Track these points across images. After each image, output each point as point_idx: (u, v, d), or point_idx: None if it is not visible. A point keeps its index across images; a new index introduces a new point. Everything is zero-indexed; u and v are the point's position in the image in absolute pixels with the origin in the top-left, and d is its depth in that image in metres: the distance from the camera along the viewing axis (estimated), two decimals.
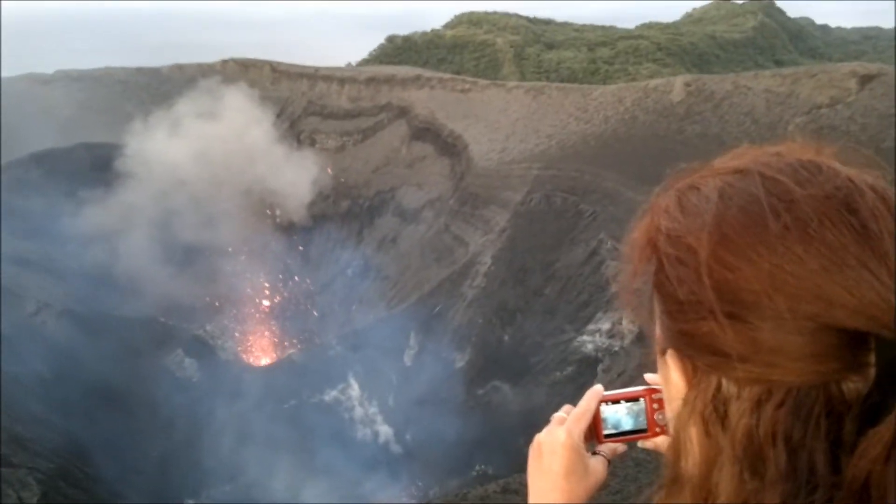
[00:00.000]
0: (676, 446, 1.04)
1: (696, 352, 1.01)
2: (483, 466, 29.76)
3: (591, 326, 29.42)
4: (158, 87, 64.27)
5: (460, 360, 35.69)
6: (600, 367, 27.63)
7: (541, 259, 35.46)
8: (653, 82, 42.86)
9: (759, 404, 0.92)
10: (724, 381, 0.98)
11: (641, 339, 26.95)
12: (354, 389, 39.62)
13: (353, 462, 34.65)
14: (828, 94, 32.00)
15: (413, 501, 29.00)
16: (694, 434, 1.01)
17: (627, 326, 27.70)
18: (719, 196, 1.01)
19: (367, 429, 37.97)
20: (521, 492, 15.77)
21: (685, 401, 1.04)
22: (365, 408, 38.96)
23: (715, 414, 0.98)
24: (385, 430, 37.18)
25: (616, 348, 27.60)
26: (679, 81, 39.89)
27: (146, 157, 51.40)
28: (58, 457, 28.10)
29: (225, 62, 70.24)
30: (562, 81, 57.35)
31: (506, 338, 34.40)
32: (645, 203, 1.13)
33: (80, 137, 55.71)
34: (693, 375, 1.04)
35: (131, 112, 59.43)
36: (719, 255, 0.95)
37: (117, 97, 65.85)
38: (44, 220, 45.15)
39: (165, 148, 52.79)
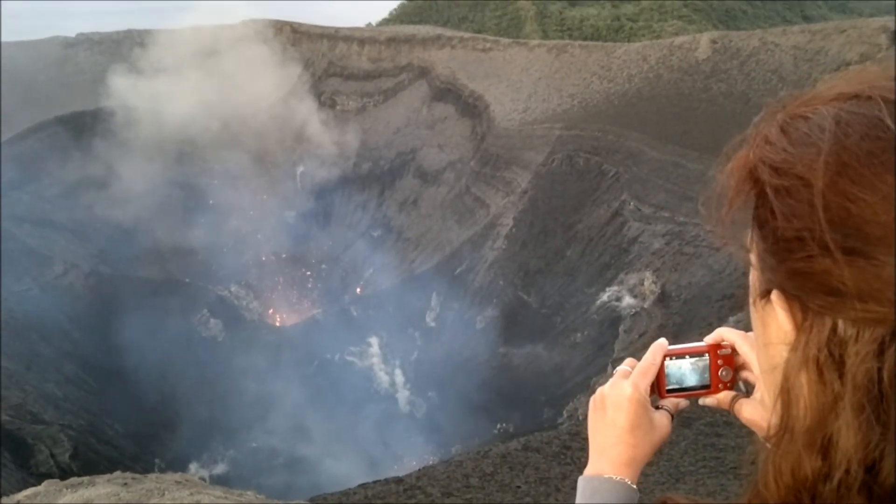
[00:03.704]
0: (786, 395, 0.96)
1: (808, 292, 0.91)
2: (504, 424, 30.02)
3: (612, 287, 29.34)
4: (180, 49, 64.00)
5: (481, 321, 35.78)
6: (622, 328, 27.62)
7: (562, 220, 35.24)
8: (678, 39, 42.04)
9: (882, 347, 0.83)
10: (840, 323, 0.88)
11: (663, 299, 26.85)
12: (377, 349, 39.96)
13: (377, 420, 35.10)
14: (857, 51, 31.25)
15: (436, 458, 29.37)
16: (805, 381, 0.92)
17: (649, 287, 27.59)
18: (836, 123, 0.90)
19: (391, 387, 38.37)
20: (541, 450, 15.92)
21: (794, 346, 0.95)
22: (388, 367, 39.32)
23: (830, 359, 0.89)
24: (408, 389, 37.55)
25: (637, 309, 27.52)
26: (705, 38, 39.09)
27: (166, 121, 51.50)
28: (88, 414, 28.78)
29: (245, 23, 69.71)
30: (585, 39, 56.26)
31: (527, 298, 34.42)
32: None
33: (104, 100, 55.84)
34: (803, 318, 0.94)
35: (152, 74, 59.42)
36: (839, 186, 0.85)
37: (138, 59, 65.78)
38: (71, 183, 45.59)
39: (186, 111, 52.82)
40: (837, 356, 0.88)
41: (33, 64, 59.01)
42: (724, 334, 1.49)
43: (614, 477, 1.45)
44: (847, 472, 0.85)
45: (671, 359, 1.52)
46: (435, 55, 57.50)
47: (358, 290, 48.78)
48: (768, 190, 0.96)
